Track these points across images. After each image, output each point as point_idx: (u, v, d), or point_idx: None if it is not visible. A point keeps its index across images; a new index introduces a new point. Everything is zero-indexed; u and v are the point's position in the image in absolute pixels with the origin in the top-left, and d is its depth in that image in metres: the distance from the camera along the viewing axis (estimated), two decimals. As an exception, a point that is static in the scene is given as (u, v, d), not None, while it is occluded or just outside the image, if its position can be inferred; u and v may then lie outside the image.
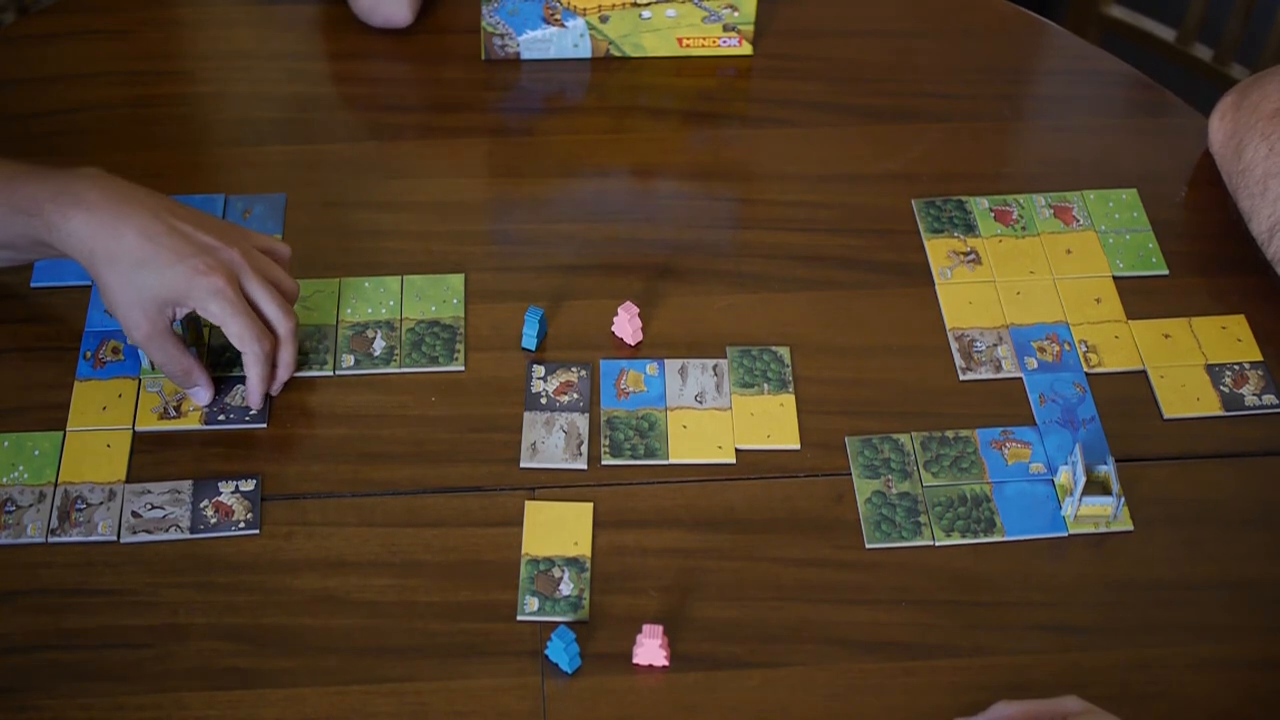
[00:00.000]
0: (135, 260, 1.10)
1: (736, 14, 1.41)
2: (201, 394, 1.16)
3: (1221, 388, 1.20)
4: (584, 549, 1.10)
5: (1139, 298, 1.26)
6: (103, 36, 1.44)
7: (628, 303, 1.21)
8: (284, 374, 1.17)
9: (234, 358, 1.18)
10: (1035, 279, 1.27)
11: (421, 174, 1.35)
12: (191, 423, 1.16)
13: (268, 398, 1.17)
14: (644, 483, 1.15)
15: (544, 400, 1.18)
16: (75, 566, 1.09)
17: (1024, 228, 1.30)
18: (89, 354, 1.19)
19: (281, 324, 1.15)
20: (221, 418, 1.16)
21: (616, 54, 1.43)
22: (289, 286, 1.17)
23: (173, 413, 1.16)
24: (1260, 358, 1.22)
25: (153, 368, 1.18)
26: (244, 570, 1.09)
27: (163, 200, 1.14)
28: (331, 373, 1.20)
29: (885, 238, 1.30)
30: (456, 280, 1.26)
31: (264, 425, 1.16)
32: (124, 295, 1.11)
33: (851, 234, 1.30)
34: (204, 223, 1.14)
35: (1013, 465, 1.15)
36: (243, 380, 1.17)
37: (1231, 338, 1.23)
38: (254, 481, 1.13)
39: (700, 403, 1.18)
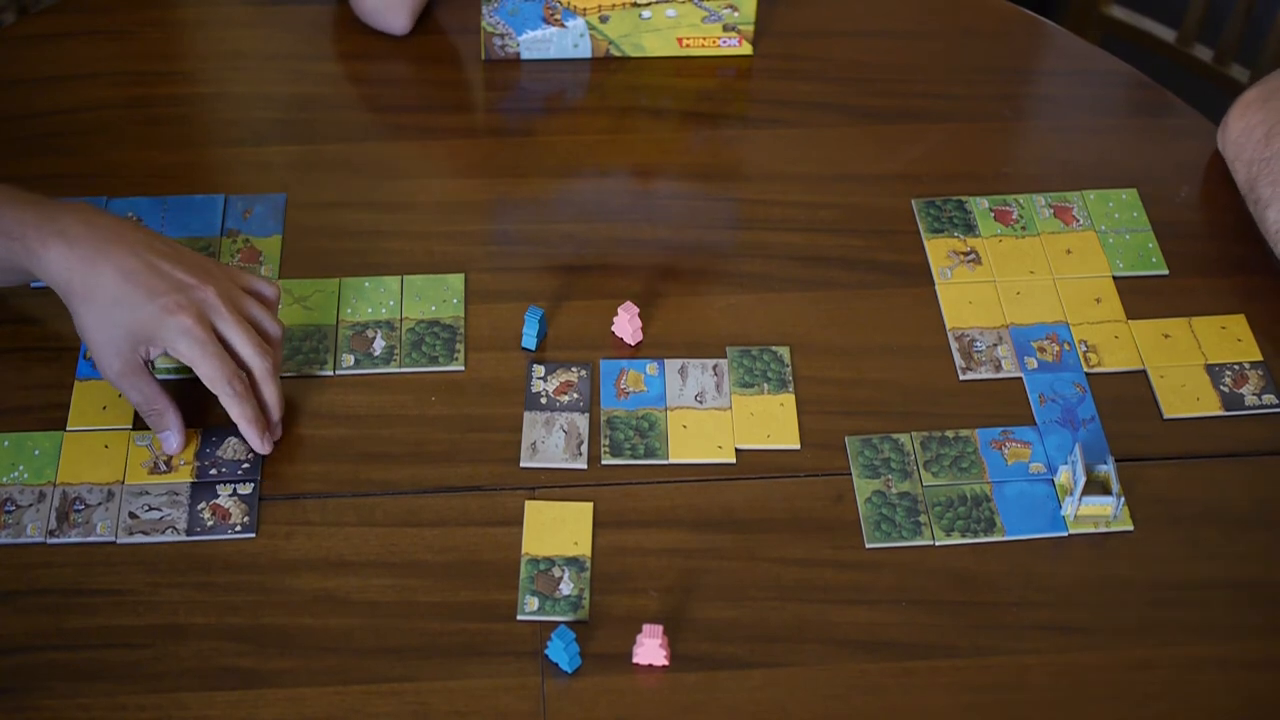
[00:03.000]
0: (110, 298, 1.09)
1: (736, 14, 1.41)
2: (172, 439, 1.13)
3: (1221, 387, 1.20)
4: (584, 549, 1.10)
5: (1139, 298, 1.26)
6: (103, 36, 1.44)
7: (628, 303, 1.21)
8: (274, 414, 1.14)
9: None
10: (1035, 279, 1.27)
11: (421, 174, 1.35)
12: (183, 477, 1.13)
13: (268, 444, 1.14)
14: (644, 482, 1.15)
15: (544, 400, 1.18)
16: (75, 566, 1.09)
17: (1024, 228, 1.30)
18: (89, 353, 1.19)
19: (255, 363, 1.12)
20: (213, 472, 1.13)
21: (616, 54, 1.43)
22: (269, 327, 1.14)
23: (163, 467, 1.13)
24: (1260, 358, 1.22)
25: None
26: (244, 570, 1.09)
27: (145, 237, 1.12)
28: (331, 373, 1.20)
29: (885, 238, 1.30)
30: (456, 280, 1.25)
31: (256, 480, 1.13)
32: (98, 333, 1.10)
33: (851, 234, 1.30)
34: (185, 260, 1.12)
35: (1013, 465, 1.15)
36: (235, 433, 1.14)
37: (1231, 338, 1.23)
38: (252, 485, 1.13)
39: (700, 403, 1.18)
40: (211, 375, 1.10)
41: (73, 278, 1.10)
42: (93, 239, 1.10)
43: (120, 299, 1.09)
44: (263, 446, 1.13)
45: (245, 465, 1.14)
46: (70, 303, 1.11)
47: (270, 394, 1.13)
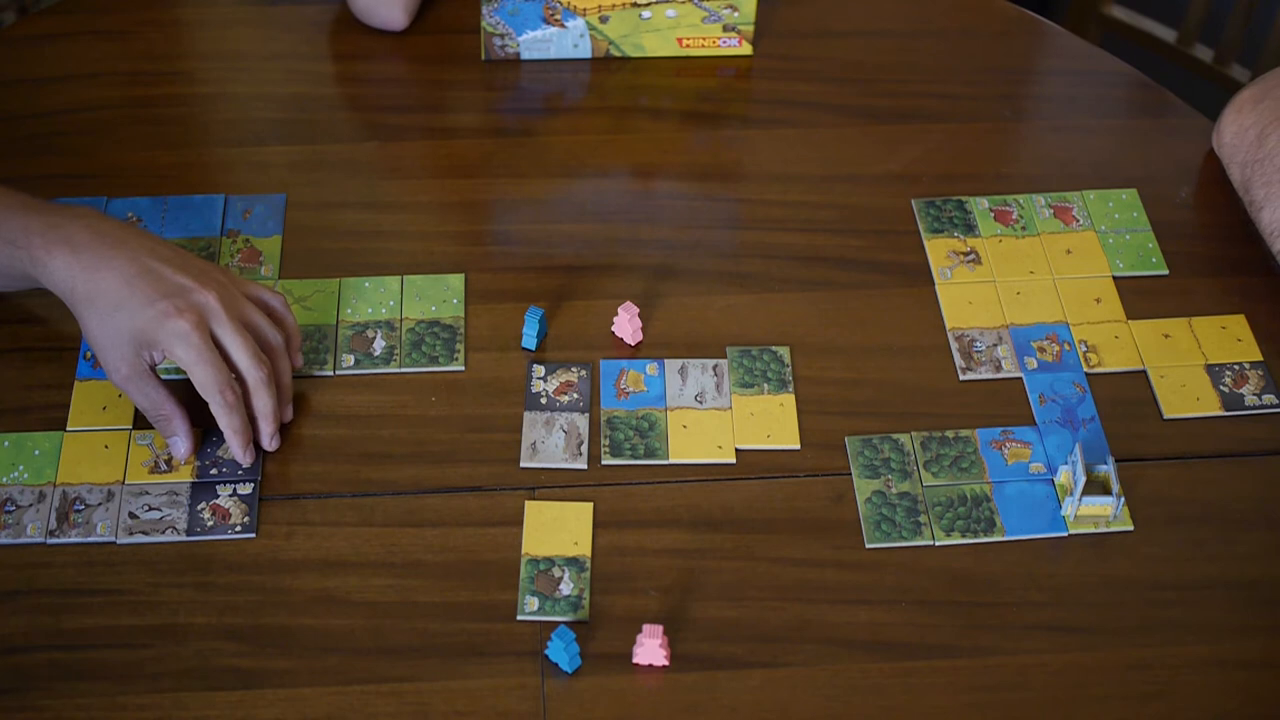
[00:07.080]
0: (111, 303, 1.09)
1: (736, 14, 1.41)
2: (180, 445, 1.13)
3: (1221, 388, 1.20)
4: (584, 549, 1.10)
5: (1139, 298, 1.26)
6: (103, 36, 1.44)
7: (628, 303, 1.21)
8: (265, 425, 1.13)
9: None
10: (1035, 279, 1.27)
11: (421, 174, 1.35)
12: (183, 477, 1.13)
13: (261, 452, 1.14)
14: (644, 483, 1.15)
15: (544, 400, 1.18)
16: (75, 566, 1.09)
17: (1024, 228, 1.30)
18: (89, 354, 1.19)
19: (250, 373, 1.11)
20: (214, 471, 1.13)
21: (616, 54, 1.43)
22: (270, 336, 1.13)
23: (164, 466, 1.13)
24: (1260, 358, 1.22)
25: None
26: (244, 570, 1.09)
27: (148, 243, 1.12)
28: (331, 373, 1.20)
29: (885, 238, 1.30)
30: (456, 280, 1.26)
31: (258, 478, 1.13)
32: (102, 337, 1.10)
33: (851, 234, 1.30)
34: (188, 266, 1.11)
35: (1013, 465, 1.15)
36: None
37: (1231, 338, 1.23)
38: (252, 485, 1.13)
39: (700, 403, 1.18)
40: (204, 382, 1.10)
41: (76, 285, 1.10)
42: (96, 245, 1.10)
43: (121, 304, 1.09)
44: (244, 458, 1.13)
45: (244, 466, 1.14)
46: (75, 309, 1.11)
47: (262, 404, 1.13)
